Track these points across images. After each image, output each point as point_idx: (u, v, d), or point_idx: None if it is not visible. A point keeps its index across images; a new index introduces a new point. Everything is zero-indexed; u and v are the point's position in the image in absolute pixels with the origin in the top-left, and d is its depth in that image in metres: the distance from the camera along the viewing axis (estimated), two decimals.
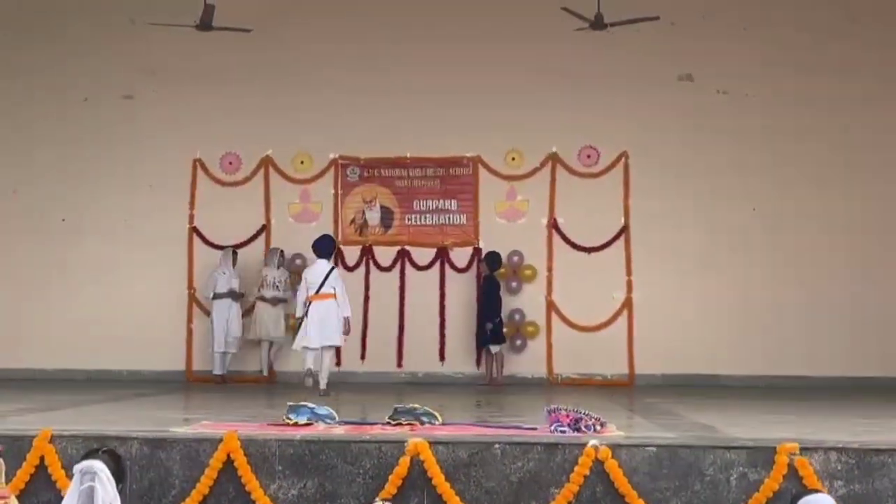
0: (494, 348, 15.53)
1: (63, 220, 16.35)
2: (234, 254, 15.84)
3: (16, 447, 7.63)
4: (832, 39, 15.70)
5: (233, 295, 15.58)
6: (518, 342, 15.87)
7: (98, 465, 5.58)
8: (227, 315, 15.53)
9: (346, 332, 13.25)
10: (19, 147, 16.39)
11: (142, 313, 15.96)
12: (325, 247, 13.45)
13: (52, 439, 7.67)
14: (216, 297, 15.57)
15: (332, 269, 13.26)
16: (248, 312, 15.82)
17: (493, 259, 15.63)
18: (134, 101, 16.45)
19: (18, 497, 7.40)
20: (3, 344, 15.96)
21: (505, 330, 15.61)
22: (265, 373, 15.79)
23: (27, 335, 16.02)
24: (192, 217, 16.36)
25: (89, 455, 5.83)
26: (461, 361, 15.84)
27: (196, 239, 16.27)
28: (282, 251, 15.86)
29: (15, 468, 7.55)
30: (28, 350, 15.93)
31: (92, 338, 15.86)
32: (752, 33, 15.81)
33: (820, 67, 15.62)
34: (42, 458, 7.61)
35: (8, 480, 7.38)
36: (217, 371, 15.53)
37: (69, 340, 15.89)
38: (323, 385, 12.92)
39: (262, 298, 15.65)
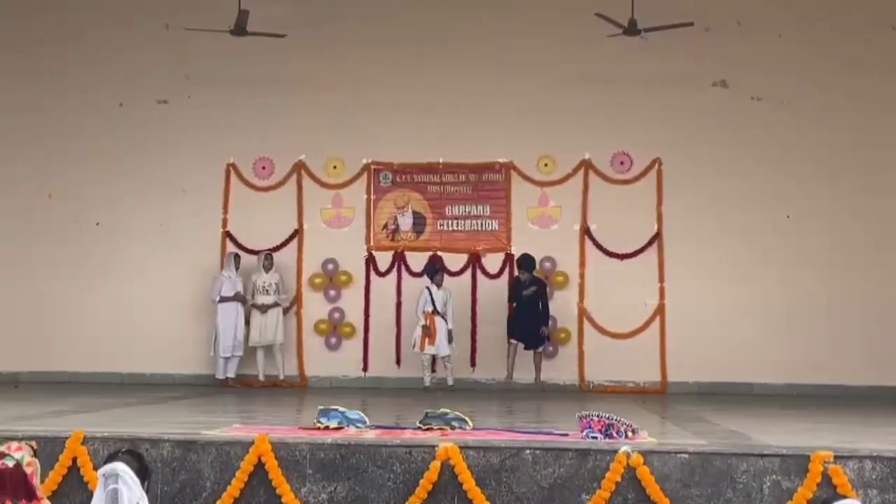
0: (541, 347, 15.47)
1: (97, 224, 16.44)
2: (237, 258, 15.85)
3: (49, 448, 7.67)
4: (869, 46, 15.58)
5: (239, 298, 15.63)
6: (550, 348, 15.83)
7: (121, 467, 5.58)
8: (233, 318, 15.61)
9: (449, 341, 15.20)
10: (54, 151, 16.49)
11: (175, 317, 16.04)
12: (431, 272, 15.46)
13: (85, 441, 7.71)
14: (223, 300, 15.61)
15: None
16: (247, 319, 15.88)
17: (532, 260, 15.44)
18: (168, 106, 16.52)
19: (50, 498, 7.45)
20: (38, 347, 16.07)
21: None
22: (261, 377, 15.77)
23: (61, 338, 16.09)
24: (225, 221, 16.42)
25: (111, 458, 5.84)
26: (492, 367, 15.78)
27: (229, 243, 16.32)
28: (269, 255, 15.92)
29: (48, 469, 7.58)
30: (62, 353, 16.03)
31: (125, 341, 15.96)
32: (787, 39, 15.71)
33: (855, 74, 15.52)
34: (74, 460, 7.65)
35: (41, 481, 7.42)
36: (220, 375, 15.57)
37: (102, 344, 16.00)
38: (450, 382, 15.12)
39: (254, 305, 15.74)
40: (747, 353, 15.35)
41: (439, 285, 15.14)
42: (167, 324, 16.00)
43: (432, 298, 15.06)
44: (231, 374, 15.62)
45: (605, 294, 15.82)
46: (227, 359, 15.58)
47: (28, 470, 5.75)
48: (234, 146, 16.34)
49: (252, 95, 16.19)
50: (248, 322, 15.80)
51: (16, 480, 5.70)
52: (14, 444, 5.87)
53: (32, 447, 5.91)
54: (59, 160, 16.49)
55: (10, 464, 5.72)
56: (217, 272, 15.85)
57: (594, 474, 7.37)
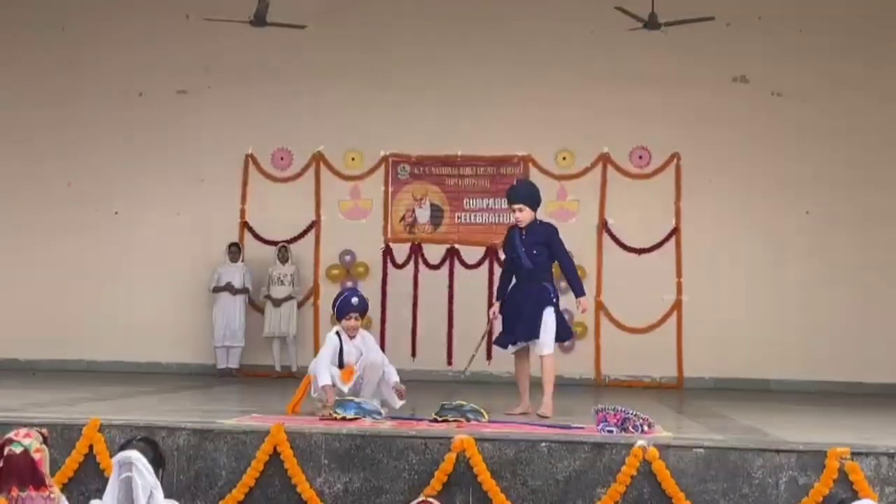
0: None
1: (116, 213, 16.50)
2: (234, 247, 15.93)
3: (66, 436, 7.70)
4: (889, 43, 15.51)
5: (230, 289, 15.69)
6: (567, 343, 15.79)
7: (134, 455, 5.59)
8: (224, 309, 15.69)
9: None
10: (74, 140, 16.55)
11: (191, 307, 16.10)
12: None
13: (101, 428, 7.71)
14: (216, 290, 15.76)
15: None
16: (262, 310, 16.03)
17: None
18: (188, 96, 16.56)
19: (67, 484, 7.48)
20: (56, 335, 16.13)
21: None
22: (277, 368, 15.85)
23: (79, 327, 16.16)
24: (243, 212, 16.45)
25: (126, 445, 5.86)
26: (508, 360, 15.72)
27: (247, 234, 16.36)
28: (285, 246, 15.98)
29: (64, 456, 7.62)
30: (79, 341, 16.11)
31: (142, 330, 16.00)
32: (808, 35, 15.65)
33: (875, 70, 15.47)
34: (91, 447, 7.67)
35: (57, 468, 7.45)
36: (220, 365, 15.68)
37: (119, 332, 16.06)
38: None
39: (267, 296, 15.85)
40: (764, 349, 15.31)
41: None
42: (184, 313, 16.08)
43: None
44: (233, 364, 15.72)
45: (623, 289, 15.77)
46: (226, 349, 15.67)
47: (36, 457, 5.75)
48: (252, 137, 16.37)
49: (271, 86, 16.22)
50: (262, 313, 15.88)
51: (23, 467, 5.70)
52: (23, 431, 5.87)
53: (43, 434, 5.91)
54: (78, 149, 16.54)
55: (18, 450, 5.72)
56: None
57: (610, 468, 7.35)
